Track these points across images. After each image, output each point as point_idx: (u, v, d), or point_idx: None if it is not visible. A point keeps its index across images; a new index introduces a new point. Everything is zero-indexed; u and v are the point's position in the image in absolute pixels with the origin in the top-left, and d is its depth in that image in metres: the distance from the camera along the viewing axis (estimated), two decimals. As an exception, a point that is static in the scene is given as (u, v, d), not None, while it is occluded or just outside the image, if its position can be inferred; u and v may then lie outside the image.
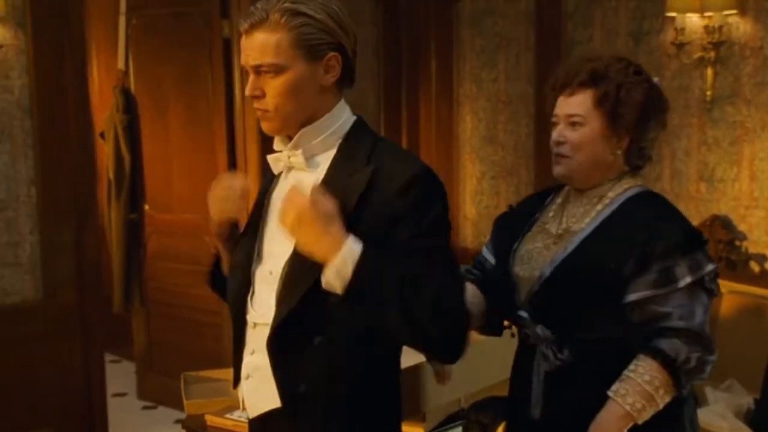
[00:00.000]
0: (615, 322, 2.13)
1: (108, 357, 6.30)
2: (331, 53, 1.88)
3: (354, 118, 1.97)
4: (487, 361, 2.96)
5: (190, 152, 5.01)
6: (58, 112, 3.99)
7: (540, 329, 2.20)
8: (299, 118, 1.90)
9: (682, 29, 4.02)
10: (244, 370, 2.00)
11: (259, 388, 1.97)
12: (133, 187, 5.12)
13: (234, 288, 2.03)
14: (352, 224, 1.81)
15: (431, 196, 1.83)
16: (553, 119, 2.24)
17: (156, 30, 5.02)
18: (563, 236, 2.22)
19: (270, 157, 2.00)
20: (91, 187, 4.18)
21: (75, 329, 4.10)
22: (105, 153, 5.11)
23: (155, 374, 5.43)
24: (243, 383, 2.01)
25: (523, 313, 2.24)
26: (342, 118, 1.94)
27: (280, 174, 2.01)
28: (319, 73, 1.87)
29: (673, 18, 4.05)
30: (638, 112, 2.15)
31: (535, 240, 2.28)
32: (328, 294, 1.80)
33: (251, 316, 1.98)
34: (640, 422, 2.09)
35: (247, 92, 1.91)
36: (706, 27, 3.94)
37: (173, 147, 5.10)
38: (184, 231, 5.11)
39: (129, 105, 5.04)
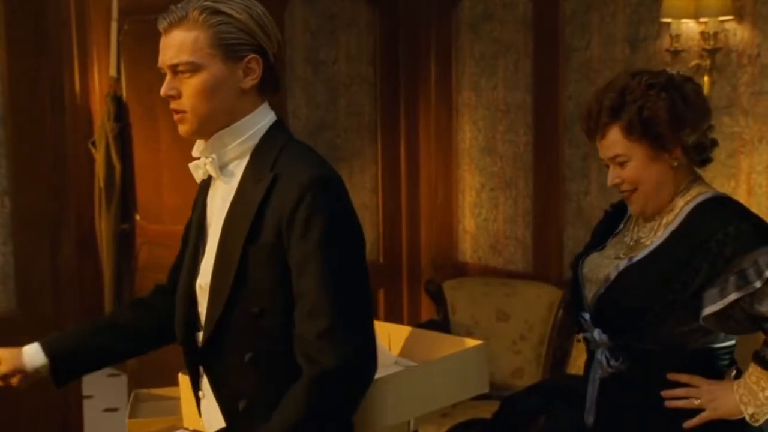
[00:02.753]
0: (676, 333, 2.15)
1: (107, 371, 6.35)
2: (251, 55, 1.87)
3: (273, 121, 1.94)
4: (439, 383, 2.88)
5: (182, 161, 4.97)
6: (33, 121, 4.00)
7: (597, 333, 2.24)
8: (216, 121, 1.89)
9: (678, 36, 3.91)
10: (201, 390, 1.99)
11: (209, 407, 1.97)
12: (124, 196, 5.13)
13: (178, 306, 2.02)
14: (254, 236, 1.80)
15: (318, 211, 1.78)
16: (605, 162, 2.27)
17: (147, 36, 4.99)
18: (634, 247, 2.26)
19: (190, 165, 1.98)
20: (67, 197, 4.18)
21: (50, 342, 4.09)
22: (97, 162, 5.13)
23: (147, 389, 5.41)
24: (201, 403, 2.01)
25: (586, 315, 2.30)
26: (260, 123, 1.91)
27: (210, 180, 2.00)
28: (237, 74, 1.87)
29: (668, 24, 3.94)
30: (671, 125, 2.15)
31: (611, 249, 2.33)
32: (252, 306, 1.80)
33: (198, 335, 1.96)
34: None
35: (162, 92, 1.89)
36: (702, 33, 3.83)
37: (164, 156, 5.10)
38: (175, 242, 5.02)
39: (120, 113, 5.06)
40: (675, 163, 2.18)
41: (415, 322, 4.97)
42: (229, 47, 1.85)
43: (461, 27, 5.02)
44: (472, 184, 5.04)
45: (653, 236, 2.23)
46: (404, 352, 2.82)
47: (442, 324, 4.56)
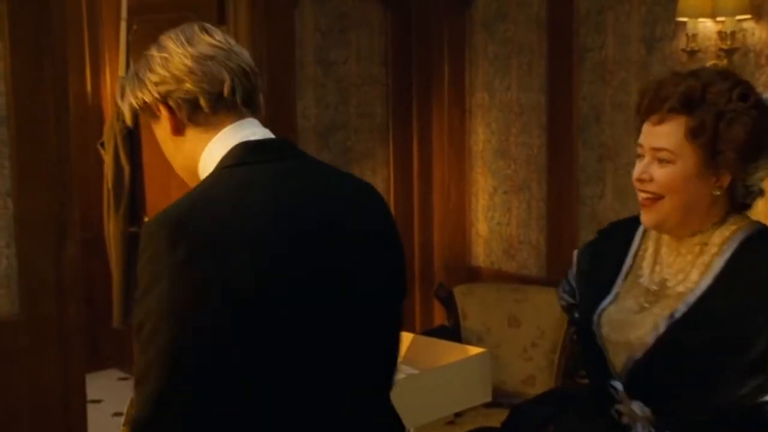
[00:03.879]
0: (738, 395, 1.82)
1: (117, 374, 6.34)
2: None
3: None
4: (441, 391, 2.83)
5: (190, 163, 4.96)
6: (36, 122, 3.98)
7: (638, 407, 1.90)
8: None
9: (695, 35, 3.83)
10: None
11: None
12: (132, 199, 5.10)
13: None
14: None
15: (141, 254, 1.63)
16: (638, 150, 1.92)
17: (157, 36, 4.99)
18: (660, 294, 1.91)
19: None
20: (71, 198, 4.16)
21: (53, 345, 4.08)
22: (105, 163, 5.11)
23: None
24: None
25: (618, 385, 1.92)
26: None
27: None
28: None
29: (685, 23, 3.86)
30: (741, 149, 1.82)
31: (627, 297, 1.97)
32: None
33: None
34: None
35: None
36: (719, 33, 3.75)
37: (172, 158, 5.06)
38: (183, 245, 5.06)
39: (130, 114, 5.02)
40: (718, 192, 1.86)
41: (428, 328, 4.91)
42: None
43: (474, 26, 4.96)
44: (485, 187, 4.98)
45: (687, 281, 1.89)
46: (406, 359, 2.77)
47: (452, 330, 4.49)
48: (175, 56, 1.72)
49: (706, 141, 1.82)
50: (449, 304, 4.61)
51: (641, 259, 2.00)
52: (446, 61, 5.08)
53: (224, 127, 1.73)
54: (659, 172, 1.86)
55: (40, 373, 4.04)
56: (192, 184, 1.75)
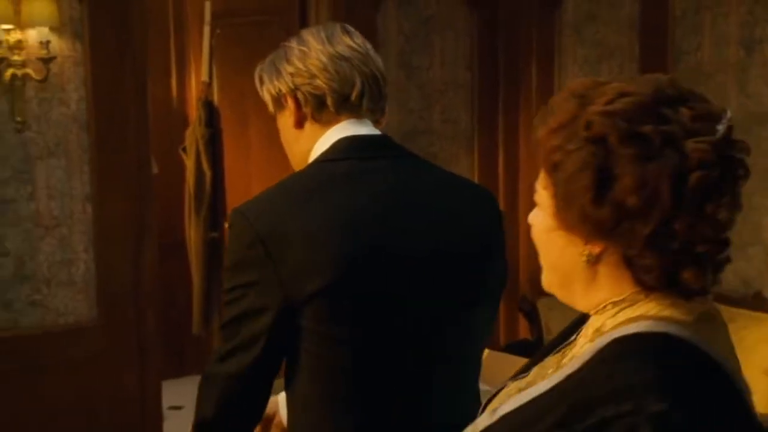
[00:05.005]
0: None
1: (198, 380, 6.35)
2: None
3: None
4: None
5: (272, 169, 4.94)
6: (116, 127, 4.01)
7: None
8: None
9: (797, 37, 3.65)
10: None
11: None
12: (213, 204, 5.11)
13: None
14: None
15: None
16: None
17: (239, 40, 5.01)
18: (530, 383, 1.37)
19: None
20: (150, 203, 4.17)
21: (131, 350, 4.10)
22: (187, 168, 5.13)
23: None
24: None
25: None
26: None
27: None
28: None
29: (787, 24, 3.68)
30: (588, 199, 1.19)
31: (536, 368, 1.42)
32: None
33: None
34: None
35: None
36: (824, 34, 3.56)
37: (254, 163, 5.06)
38: (264, 251, 5.05)
39: (212, 118, 5.03)
40: (584, 258, 1.25)
41: (511, 340, 4.80)
42: None
43: (564, 29, 4.83)
44: (574, 196, 4.83)
45: (553, 371, 1.33)
46: (480, 376, 2.68)
47: (534, 344, 4.37)
48: (313, 51, 1.79)
49: (553, 187, 1.26)
50: (532, 317, 4.49)
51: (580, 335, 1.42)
52: (534, 64, 4.96)
53: (339, 124, 1.80)
54: (532, 220, 1.35)
55: (118, 378, 4.06)
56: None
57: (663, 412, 1.11)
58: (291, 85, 1.79)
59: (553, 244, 1.29)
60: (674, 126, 1.19)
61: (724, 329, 1.28)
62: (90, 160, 3.97)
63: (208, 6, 5.17)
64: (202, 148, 5.04)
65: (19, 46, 3.78)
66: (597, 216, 1.20)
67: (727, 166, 1.20)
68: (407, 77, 4.74)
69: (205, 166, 5.04)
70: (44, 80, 3.83)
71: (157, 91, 5.54)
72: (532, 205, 1.33)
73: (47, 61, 3.81)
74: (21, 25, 3.78)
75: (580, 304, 1.32)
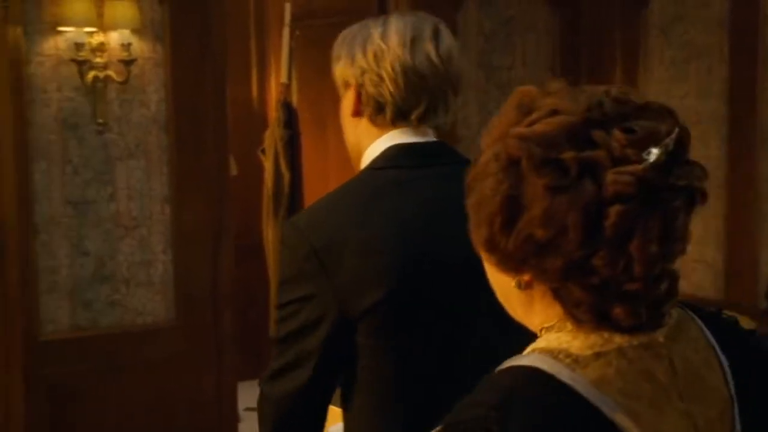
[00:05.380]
0: None
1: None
2: None
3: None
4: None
5: (349, 171, 4.93)
6: (195, 129, 4.04)
7: None
8: None
9: None
10: None
11: None
12: (292, 206, 5.11)
13: None
14: None
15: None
16: None
17: (318, 41, 4.99)
18: None
19: None
20: (228, 205, 4.19)
21: (208, 352, 4.12)
22: (266, 170, 5.14)
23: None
24: None
25: None
26: None
27: None
28: None
29: None
30: (496, 227, 1.13)
31: None
32: None
33: None
34: None
35: None
36: None
37: (331, 165, 5.05)
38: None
39: (290, 120, 5.04)
40: (513, 285, 1.18)
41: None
42: None
43: (650, 29, 4.70)
44: (659, 201, 4.71)
45: None
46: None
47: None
48: (391, 55, 1.71)
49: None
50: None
51: None
52: (618, 65, 4.84)
53: (393, 131, 1.76)
54: None
55: (195, 379, 4.08)
56: (355, 166, 1.83)
57: None
58: (359, 80, 1.74)
59: (488, 265, 1.22)
60: (600, 152, 1.07)
61: (636, 369, 1.13)
62: (169, 162, 4.00)
63: (288, 8, 5.18)
64: (280, 149, 5.05)
65: (101, 48, 3.82)
66: (505, 246, 1.12)
67: (658, 197, 1.07)
68: (487, 78, 4.68)
69: (284, 167, 5.05)
70: (125, 82, 3.87)
71: (238, 92, 5.58)
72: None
73: (128, 63, 3.85)
74: (103, 28, 3.82)
75: (528, 326, 1.25)
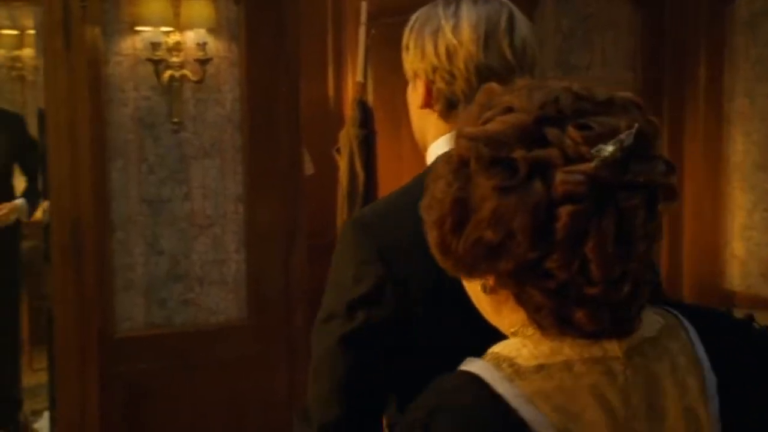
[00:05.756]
0: None
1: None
2: None
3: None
4: None
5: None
6: (269, 128, 4.04)
7: None
8: None
9: None
10: None
11: None
12: (365, 206, 5.09)
13: None
14: None
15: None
16: None
17: (394, 40, 4.95)
18: None
19: None
20: (301, 205, 4.19)
21: (280, 352, 4.12)
22: (340, 169, 5.14)
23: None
24: None
25: None
26: None
27: None
28: None
29: None
30: (446, 229, 1.12)
31: None
32: None
33: None
34: None
35: None
36: None
37: (405, 166, 5.01)
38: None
39: (366, 119, 5.02)
40: (479, 288, 1.17)
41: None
42: None
43: (735, 26, 4.57)
44: (743, 203, 4.57)
45: None
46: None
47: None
48: (463, 51, 1.63)
49: None
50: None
51: None
52: (702, 64, 4.71)
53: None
54: None
55: (267, 379, 4.09)
56: (422, 150, 1.79)
57: None
58: (430, 76, 1.66)
59: (470, 283, 1.20)
60: (553, 150, 1.04)
61: (581, 385, 1.09)
62: (243, 161, 4.02)
63: (363, 6, 5.16)
64: (355, 149, 5.03)
65: (177, 47, 3.85)
66: (456, 249, 1.09)
67: (613, 196, 1.03)
68: (565, 76, 4.60)
69: (358, 167, 5.03)
70: (201, 81, 3.90)
71: (314, 91, 5.58)
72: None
73: (204, 62, 3.88)
74: (179, 27, 3.85)
75: (501, 329, 1.22)
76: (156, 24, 3.81)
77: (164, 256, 3.94)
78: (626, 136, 1.03)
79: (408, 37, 1.71)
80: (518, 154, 1.03)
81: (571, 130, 1.04)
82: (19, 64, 6.97)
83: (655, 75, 4.79)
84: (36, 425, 5.06)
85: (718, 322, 1.27)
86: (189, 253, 3.97)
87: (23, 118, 5.18)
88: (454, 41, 1.62)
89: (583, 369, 1.10)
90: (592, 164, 1.02)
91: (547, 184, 1.02)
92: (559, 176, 1.02)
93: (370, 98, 5.15)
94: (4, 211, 4.77)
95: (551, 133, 1.05)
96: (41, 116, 4.30)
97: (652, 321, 1.16)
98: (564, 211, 1.01)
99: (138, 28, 3.82)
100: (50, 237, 3.89)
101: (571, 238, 1.02)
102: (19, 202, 4.92)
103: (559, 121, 1.06)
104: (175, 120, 3.89)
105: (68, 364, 3.83)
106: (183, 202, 3.94)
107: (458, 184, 1.07)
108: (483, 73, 1.63)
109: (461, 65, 1.63)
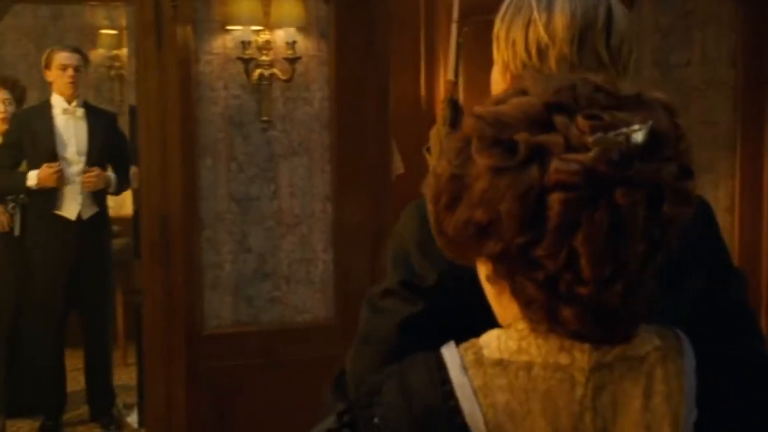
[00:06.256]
0: None
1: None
2: None
3: None
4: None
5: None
6: (357, 127, 4.03)
7: None
8: None
9: None
10: None
11: None
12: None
13: None
14: None
15: None
16: None
17: (485, 38, 4.90)
18: None
19: None
20: (389, 204, 4.16)
21: (366, 353, 4.10)
22: (429, 169, 5.10)
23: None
24: None
25: None
26: None
27: None
28: None
29: None
30: (442, 204, 1.12)
31: None
32: None
33: None
34: None
35: None
36: None
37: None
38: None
39: (456, 118, 4.97)
40: (482, 275, 1.16)
41: None
42: None
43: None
44: None
45: None
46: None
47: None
48: (556, 52, 1.50)
49: None
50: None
51: None
52: (808, 61, 4.54)
53: None
54: None
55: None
56: None
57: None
58: (520, 71, 1.53)
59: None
60: (556, 137, 1.01)
61: (535, 389, 1.07)
62: (331, 159, 4.01)
63: (456, 3, 5.12)
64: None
65: (267, 46, 3.87)
66: (447, 228, 1.08)
67: (610, 190, 0.98)
68: (663, 76, 4.47)
69: (449, 166, 5.01)
70: (290, 80, 3.91)
71: (406, 89, 5.56)
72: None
73: (293, 61, 3.89)
74: (269, 26, 3.87)
75: (500, 319, 1.19)
76: (246, 23, 3.84)
77: (252, 254, 3.96)
78: (634, 131, 0.99)
79: (499, 27, 1.60)
80: (521, 136, 1.01)
81: (580, 119, 1.01)
82: (117, 63, 7.14)
83: (758, 72, 4.62)
84: (129, 419, 5.16)
85: (739, 358, 1.22)
86: (276, 252, 3.99)
87: (116, 116, 5.28)
88: (546, 39, 1.50)
89: (541, 373, 1.08)
90: (591, 154, 0.99)
91: (543, 170, 1.00)
92: (554, 164, 0.99)
93: (461, 97, 5.10)
94: (94, 173, 4.86)
95: (559, 120, 1.02)
96: (133, 114, 4.38)
97: (646, 339, 1.12)
98: (555, 199, 0.99)
99: (228, 27, 3.85)
100: (140, 233, 3.95)
101: (561, 228, 0.99)
102: (110, 173, 5.02)
103: (570, 110, 1.03)
104: (264, 118, 3.92)
105: (156, 360, 3.88)
106: (271, 201, 3.96)
107: (458, 161, 1.05)
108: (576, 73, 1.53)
109: (552, 65, 1.50)
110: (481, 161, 1.02)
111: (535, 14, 1.51)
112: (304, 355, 4.02)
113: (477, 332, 1.45)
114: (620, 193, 0.99)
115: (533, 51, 1.50)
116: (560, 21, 1.49)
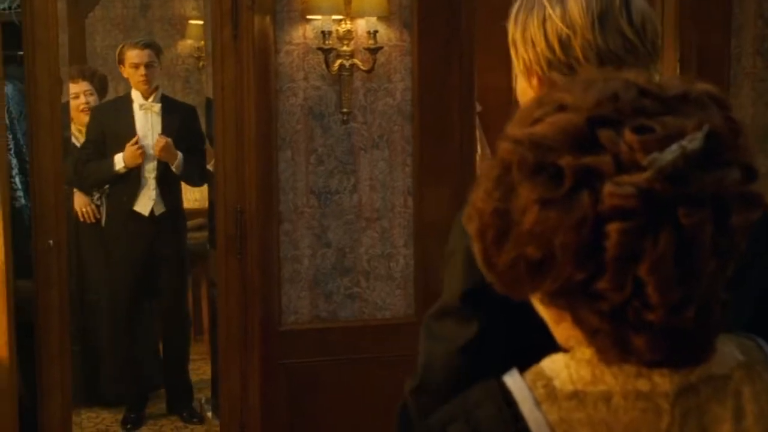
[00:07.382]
0: None
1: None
2: None
3: None
4: None
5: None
6: (441, 119, 3.94)
7: None
8: None
9: None
10: None
11: None
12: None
13: None
14: None
15: None
16: None
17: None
18: None
19: None
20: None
21: (446, 352, 4.02)
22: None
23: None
24: None
25: None
26: None
27: None
28: None
29: None
30: (489, 240, 1.09)
31: None
32: None
33: None
34: None
35: None
36: None
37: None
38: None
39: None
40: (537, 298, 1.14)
41: None
42: None
43: None
44: None
45: None
46: None
47: None
48: (580, 40, 1.46)
49: None
50: None
51: None
52: None
53: None
54: None
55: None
56: None
57: None
58: (546, 72, 1.48)
59: None
60: (604, 158, 0.90)
61: (617, 420, 0.97)
62: (413, 153, 3.93)
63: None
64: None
65: (348, 36, 3.81)
66: (497, 263, 0.98)
67: (672, 211, 0.88)
68: (766, 66, 4.27)
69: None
70: (371, 70, 3.84)
71: (496, 80, 5.44)
72: None
73: (374, 51, 3.82)
74: (350, 16, 3.81)
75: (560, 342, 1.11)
76: (327, 12, 3.77)
77: (331, 249, 3.91)
78: (689, 141, 0.89)
79: (514, 31, 1.57)
80: (565, 161, 0.91)
81: (628, 134, 0.91)
82: (204, 54, 7.17)
83: None
84: (209, 413, 5.17)
85: None
86: (356, 247, 3.93)
87: (195, 110, 5.28)
88: (566, 29, 1.46)
89: (622, 403, 0.98)
90: (646, 175, 0.88)
91: (595, 197, 0.90)
92: (607, 188, 0.89)
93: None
94: (162, 143, 4.86)
95: (605, 136, 0.91)
96: (209, 105, 4.36)
97: (727, 355, 1.02)
98: (613, 229, 0.89)
99: (309, 17, 3.80)
100: (215, 225, 3.93)
101: (623, 259, 0.90)
102: (179, 153, 4.99)
103: (615, 122, 0.92)
104: (345, 110, 3.85)
105: (230, 354, 3.86)
106: (351, 195, 3.90)
107: (499, 193, 0.97)
108: (605, 60, 1.45)
109: (579, 55, 1.45)
110: (525, 193, 0.94)
111: (549, 10, 1.48)
112: (383, 353, 3.96)
113: (533, 349, 1.40)
114: (683, 212, 0.89)
115: (555, 45, 1.46)
116: (575, 9, 1.45)
